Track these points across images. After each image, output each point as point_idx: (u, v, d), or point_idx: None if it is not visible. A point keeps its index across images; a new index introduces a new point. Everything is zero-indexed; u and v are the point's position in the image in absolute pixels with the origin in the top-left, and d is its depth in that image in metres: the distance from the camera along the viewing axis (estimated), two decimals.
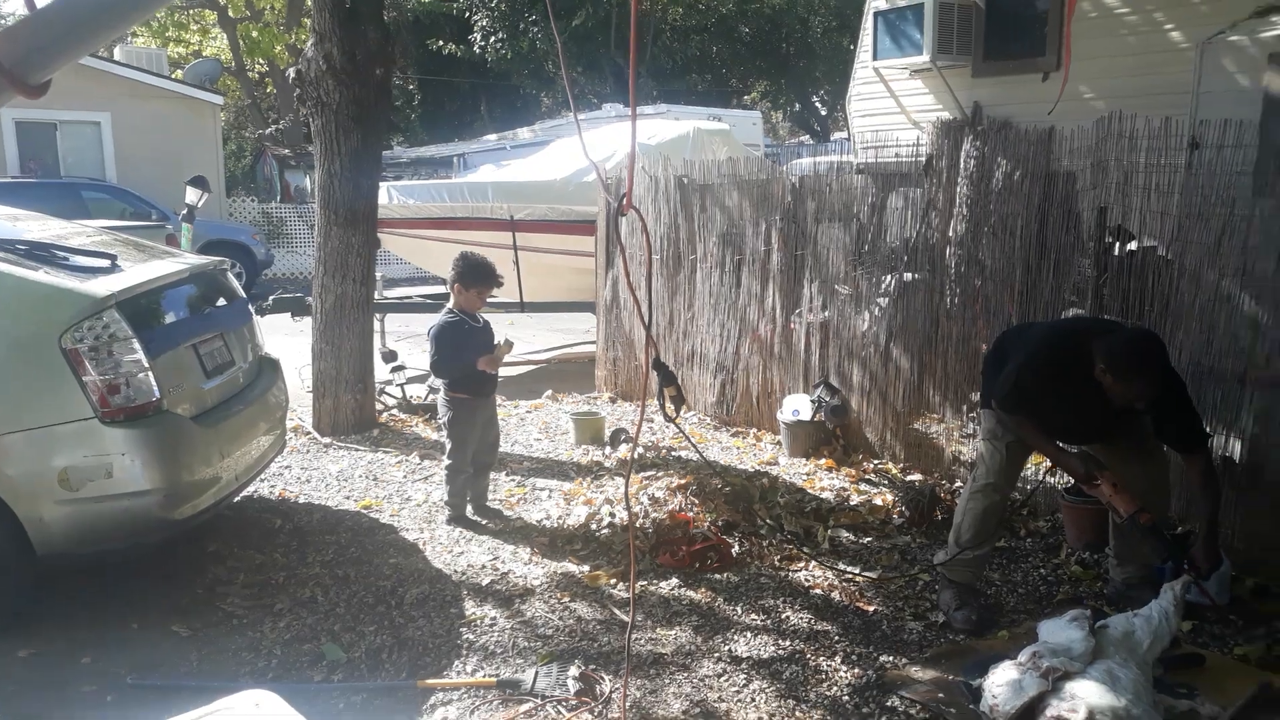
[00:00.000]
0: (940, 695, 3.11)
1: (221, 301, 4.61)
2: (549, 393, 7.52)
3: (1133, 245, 4.43)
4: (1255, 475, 3.95)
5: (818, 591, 3.94)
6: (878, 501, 4.87)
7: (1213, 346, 4.08)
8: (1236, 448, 4.03)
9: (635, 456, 5.69)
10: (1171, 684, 3.06)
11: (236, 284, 4.90)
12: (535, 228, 9.30)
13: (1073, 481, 3.98)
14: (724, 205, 6.35)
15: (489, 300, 4.87)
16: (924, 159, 5.21)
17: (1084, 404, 3.39)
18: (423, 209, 9.94)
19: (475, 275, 4.66)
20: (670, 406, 2.92)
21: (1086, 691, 2.82)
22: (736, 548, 4.33)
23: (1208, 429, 3.88)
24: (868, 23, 8.34)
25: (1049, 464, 4.32)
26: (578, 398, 7.47)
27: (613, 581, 4.07)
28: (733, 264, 6.29)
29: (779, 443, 5.89)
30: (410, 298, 9.30)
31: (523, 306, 8.76)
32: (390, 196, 9.77)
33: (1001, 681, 2.97)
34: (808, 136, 29.58)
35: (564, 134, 15.09)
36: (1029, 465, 4.69)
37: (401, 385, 7.17)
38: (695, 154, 8.69)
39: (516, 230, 9.24)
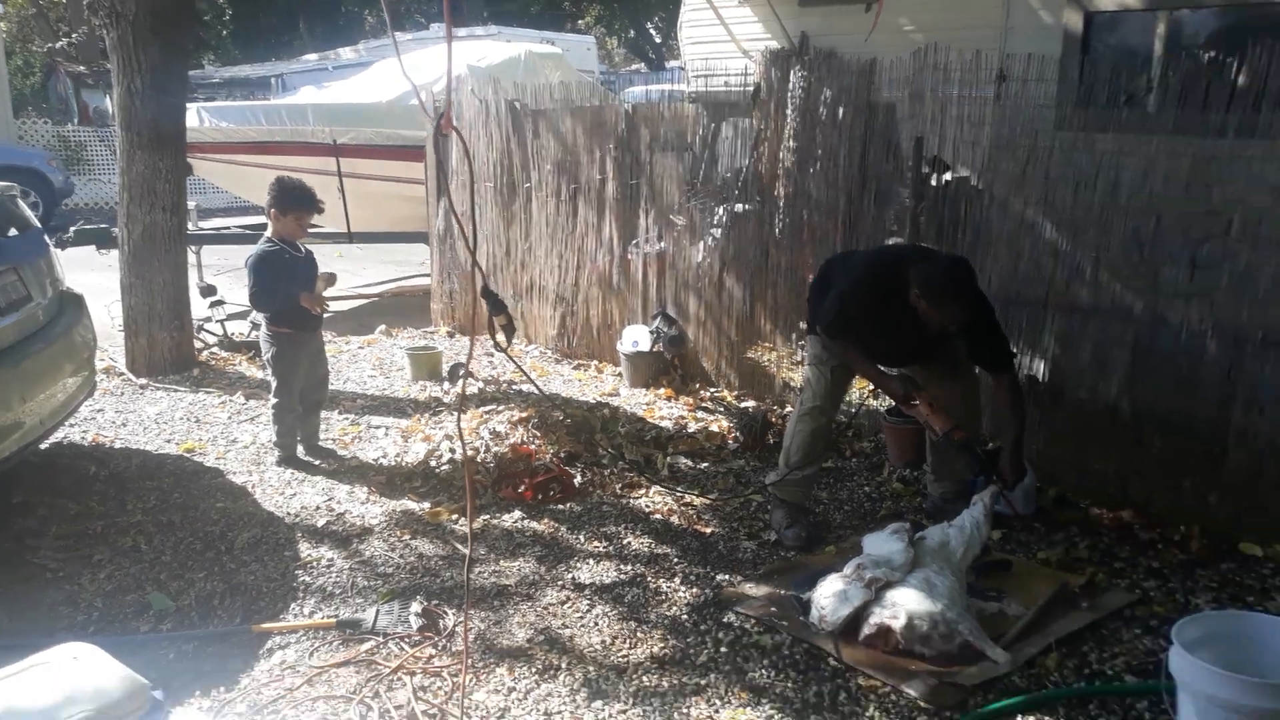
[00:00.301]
0: (773, 609, 3.26)
1: (13, 232, 4.21)
2: (382, 328, 7.31)
3: (949, 175, 4.64)
4: (1056, 395, 4.26)
5: (658, 517, 4.04)
6: (714, 428, 5.01)
7: (1019, 273, 4.35)
8: (1040, 368, 4.33)
9: (476, 391, 5.62)
10: (983, 588, 3.32)
11: (29, 213, 4.48)
12: (361, 153, 8.91)
13: (893, 403, 4.19)
14: (558, 132, 6.25)
15: (315, 231, 4.65)
16: (752, 88, 5.26)
17: (902, 328, 3.57)
18: (237, 132, 9.35)
19: (291, 199, 4.42)
20: (501, 336, 2.87)
21: (906, 598, 3.02)
22: (579, 478, 4.37)
23: (1014, 351, 4.17)
24: None
25: (871, 387, 4.54)
26: (413, 332, 7.29)
27: (454, 517, 4.04)
28: (569, 193, 6.23)
29: (620, 374, 5.94)
30: (228, 228, 8.79)
31: (351, 237, 8.44)
32: (201, 119, 9.14)
33: (829, 593, 3.14)
34: (642, 64, 29.44)
35: (389, 54, 14.44)
36: (853, 389, 4.93)
37: (222, 321, 6.81)
38: (527, 78, 8.49)
39: (340, 156, 8.83)
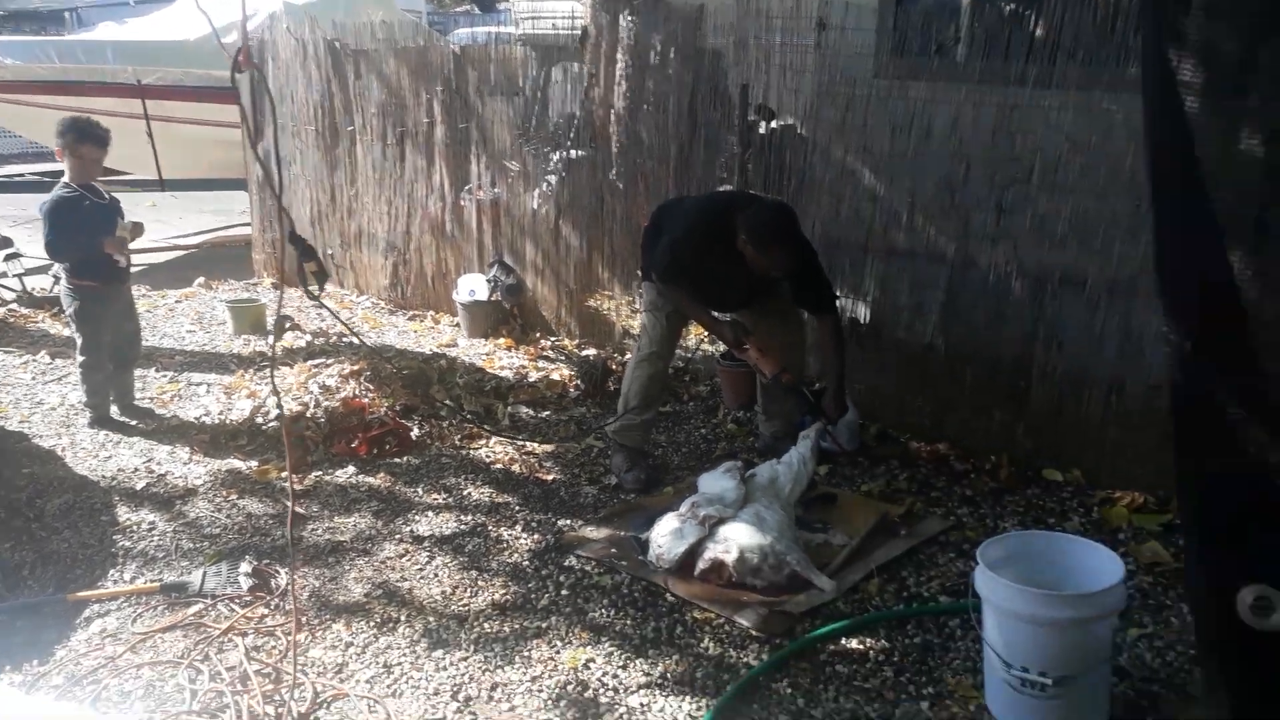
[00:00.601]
0: (613, 550, 3.31)
1: None
2: (201, 280, 6.92)
3: (775, 123, 4.74)
4: (876, 335, 4.46)
5: (498, 466, 4.02)
6: (555, 377, 5.01)
7: (840, 218, 4.49)
8: (861, 311, 4.51)
9: (304, 345, 5.41)
10: (810, 521, 3.47)
11: None
12: (169, 94, 8.32)
13: (726, 348, 4.30)
14: (382, 73, 6.01)
15: (125, 179, 4.34)
16: (579, 32, 5.19)
17: (731, 274, 3.66)
18: (27, 70, 8.56)
19: (78, 135, 4.10)
20: (313, 283, 2.73)
21: (738, 533, 3.13)
22: (416, 431, 4.29)
23: (837, 294, 4.34)
24: None
25: (706, 334, 4.64)
26: (235, 285, 6.94)
27: (284, 475, 3.90)
28: (395, 137, 6.02)
29: (457, 324, 5.84)
30: (22, 175, 8.07)
31: (163, 185, 7.91)
32: None
33: (665, 532, 3.22)
34: (472, 5, 28.56)
35: None
36: (689, 335, 5.02)
37: (20, 276, 6.28)
38: (348, 16, 8.10)
39: (146, 97, 8.21)
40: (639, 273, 4.79)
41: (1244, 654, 1.04)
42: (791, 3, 4.49)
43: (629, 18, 4.96)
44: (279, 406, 3.41)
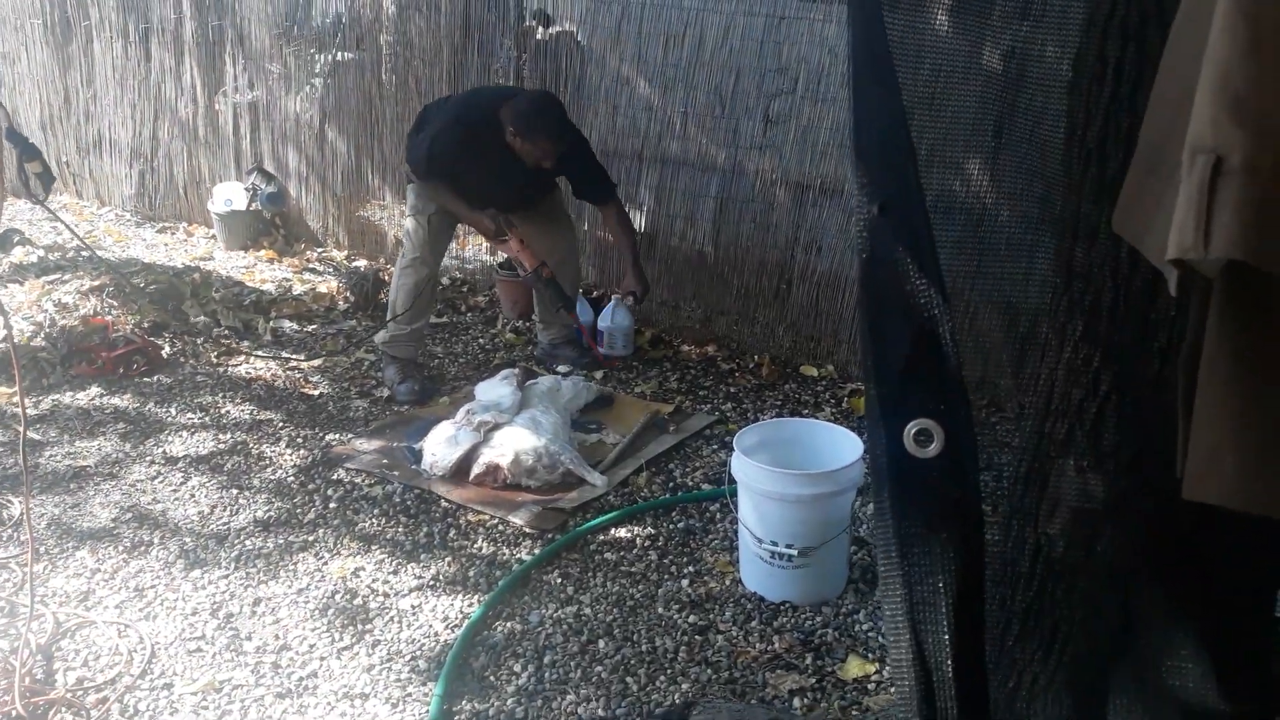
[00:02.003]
0: (385, 462, 3.25)
1: None
2: None
3: (553, 29, 4.66)
4: (651, 243, 4.53)
5: (260, 383, 3.83)
6: (322, 289, 4.79)
7: (616, 127, 4.50)
8: (638, 220, 4.56)
9: (35, 260, 4.90)
10: (584, 422, 3.52)
11: None
12: None
13: (505, 257, 4.25)
14: None
15: None
16: None
17: (500, 170, 3.59)
18: None
19: None
20: (37, 186, 2.47)
21: (512, 437, 3.14)
22: (167, 349, 4.01)
23: (616, 182, 4.36)
24: None
25: (488, 244, 4.56)
26: None
27: (14, 400, 3.55)
28: (138, 33, 5.48)
29: (214, 236, 5.46)
30: None
31: None
32: None
33: (439, 439, 3.19)
34: None
35: None
36: (466, 244, 4.93)
37: None
38: None
39: None
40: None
41: (906, 479, 1.17)
42: None
43: None
44: (6, 326, 3.08)
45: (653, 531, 2.89)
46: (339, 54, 5.05)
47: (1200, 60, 0.89)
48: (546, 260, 3.74)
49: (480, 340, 4.39)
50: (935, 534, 1.17)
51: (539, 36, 4.61)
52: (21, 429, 2.43)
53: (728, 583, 2.66)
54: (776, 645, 2.41)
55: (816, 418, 3.57)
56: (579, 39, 4.54)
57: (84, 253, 5.02)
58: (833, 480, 2.46)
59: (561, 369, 3.95)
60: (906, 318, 1.17)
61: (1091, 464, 1.69)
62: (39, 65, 5.86)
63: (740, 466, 2.53)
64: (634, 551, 2.80)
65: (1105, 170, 1.60)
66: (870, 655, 2.38)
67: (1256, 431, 0.93)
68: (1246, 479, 0.93)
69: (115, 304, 4.22)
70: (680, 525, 2.92)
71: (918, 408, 1.15)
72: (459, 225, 4.01)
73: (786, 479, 2.45)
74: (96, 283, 4.39)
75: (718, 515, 2.96)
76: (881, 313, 1.21)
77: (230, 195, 5.27)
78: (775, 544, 2.46)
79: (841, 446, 2.60)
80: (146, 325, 4.11)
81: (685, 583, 2.65)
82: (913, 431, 1.13)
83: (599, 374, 3.95)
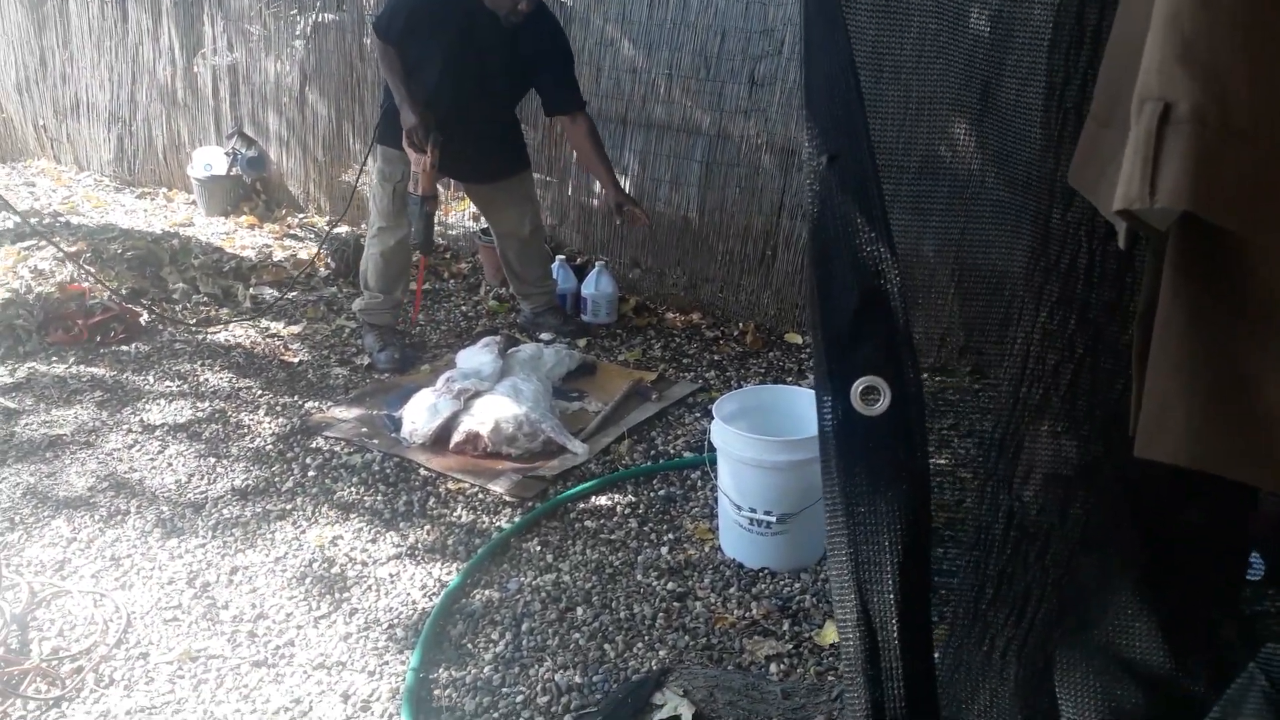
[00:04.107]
0: (364, 430, 3.22)
1: None
2: None
3: None
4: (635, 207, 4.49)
5: (239, 350, 3.79)
6: (303, 255, 4.74)
7: (601, 89, 4.43)
8: (623, 185, 4.52)
9: (10, 226, 4.83)
10: (567, 390, 3.50)
11: None
12: None
13: (488, 225, 4.19)
14: None
15: None
16: None
17: (472, 40, 3.38)
18: None
19: None
20: None
21: (493, 405, 3.12)
22: (146, 316, 3.97)
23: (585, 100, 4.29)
24: None
25: (473, 210, 4.49)
26: None
27: None
28: None
29: (194, 202, 5.39)
30: None
31: None
32: None
33: (419, 407, 3.16)
34: None
35: None
36: (450, 210, 4.88)
37: None
38: None
39: None
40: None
41: (853, 437, 1.15)
42: None
43: None
44: None
45: (633, 499, 2.87)
46: (320, 15, 4.96)
47: (1150, 7, 0.86)
48: (514, 237, 3.68)
49: (463, 308, 4.36)
50: (881, 494, 1.15)
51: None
52: None
53: (707, 550, 2.65)
54: (754, 612, 2.41)
55: (800, 385, 3.55)
56: (565, 0, 4.47)
57: (62, 219, 4.96)
58: (811, 446, 2.43)
59: (544, 336, 3.91)
60: (854, 273, 1.15)
61: (1065, 429, 1.68)
62: (13, 25, 5.76)
63: (720, 433, 2.51)
64: (614, 519, 2.78)
65: (1083, 130, 1.57)
66: None
67: (1206, 386, 0.91)
68: (1196, 436, 0.91)
69: (93, 270, 4.16)
70: (661, 493, 2.91)
71: (865, 365, 1.13)
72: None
73: (765, 445, 2.43)
74: (74, 249, 4.33)
75: (699, 483, 2.95)
76: (830, 267, 1.18)
77: (210, 160, 5.20)
78: (754, 511, 2.45)
79: None
80: (124, 292, 4.06)
81: (665, 550, 2.64)
82: (860, 388, 1.11)
83: (582, 341, 3.92)
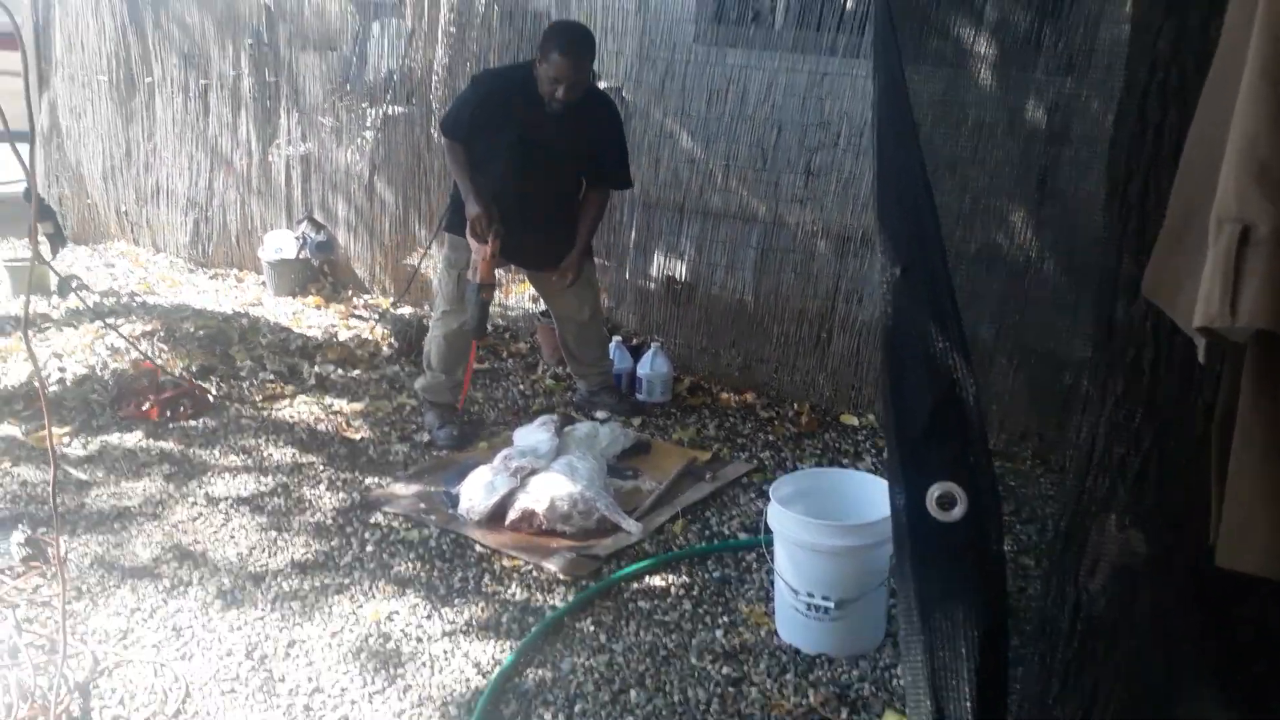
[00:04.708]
0: (422, 505, 3.26)
1: None
2: None
3: (602, 84, 4.73)
4: (691, 292, 4.55)
5: (303, 426, 3.88)
6: (367, 335, 4.86)
7: (659, 180, 4.55)
8: (678, 269, 4.59)
9: (92, 304, 5.04)
10: (621, 469, 3.51)
11: None
12: None
13: (545, 307, 4.28)
14: (184, 23, 5.65)
15: None
16: None
17: (525, 121, 3.48)
18: None
19: None
20: (46, 247, 2.45)
21: (549, 482, 3.14)
22: (214, 392, 4.08)
23: (657, 253, 4.40)
24: None
25: (532, 292, 4.59)
26: (16, 244, 6.38)
27: (65, 440, 3.64)
28: (199, 89, 5.68)
29: (264, 283, 5.58)
30: None
31: None
32: None
33: (476, 484, 3.20)
34: None
35: None
36: (510, 292, 4.99)
37: None
38: None
39: None
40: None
41: (928, 542, 1.15)
42: None
43: None
44: (35, 361, 3.15)
45: (687, 580, 2.85)
46: (389, 108, 5.18)
47: (1227, 127, 0.89)
48: (572, 320, 3.80)
49: (520, 386, 4.42)
50: (957, 598, 1.14)
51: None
52: (52, 469, 2.46)
53: (763, 634, 2.61)
54: (811, 699, 2.36)
55: (856, 467, 3.54)
56: (625, 95, 4.62)
57: (138, 298, 5.16)
58: (871, 532, 2.42)
59: (599, 415, 3.95)
60: (929, 379, 1.17)
61: (1133, 521, 1.65)
62: (104, 119, 6.09)
63: (776, 516, 2.50)
64: (668, 600, 2.76)
65: (1145, 227, 1.58)
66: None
67: None
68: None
69: (166, 347, 4.31)
70: (715, 574, 2.89)
71: (940, 470, 1.13)
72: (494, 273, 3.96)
73: (823, 529, 2.41)
74: (149, 327, 4.50)
75: (754, 565, 2.92)
76: (904, 374, 1.20)
77: (281, 243, 5.40)
78: (812, 595, 2.42)
79: (880, 497, 2.55)
80: (195, 369, 4.20)
81: (720, 633, 2.61)
82: (935, 495, 1.12)
83: (637, 420, 3.95)
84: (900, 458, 1.19)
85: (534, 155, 3.54)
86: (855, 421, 3.95)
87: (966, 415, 1.19)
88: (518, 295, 4.96)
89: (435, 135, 5.05)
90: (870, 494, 2.60)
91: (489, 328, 3.77)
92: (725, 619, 2.68)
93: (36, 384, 3.96)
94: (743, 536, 3.09)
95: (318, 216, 5.47)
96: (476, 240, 3.49)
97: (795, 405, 4.06)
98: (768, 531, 2.58)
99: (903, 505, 1.15)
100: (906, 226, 1.29)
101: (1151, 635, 1.64)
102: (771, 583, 2.66)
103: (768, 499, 2.59)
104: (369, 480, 3.46)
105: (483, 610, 2.73)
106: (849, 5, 4.07)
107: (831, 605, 2.41)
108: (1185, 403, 1.55)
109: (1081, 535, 1.74)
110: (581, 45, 3.44)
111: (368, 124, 5.28)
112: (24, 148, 2.62)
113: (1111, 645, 1.68)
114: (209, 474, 3.48)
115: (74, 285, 5.19)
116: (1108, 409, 1.69)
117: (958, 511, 1.11)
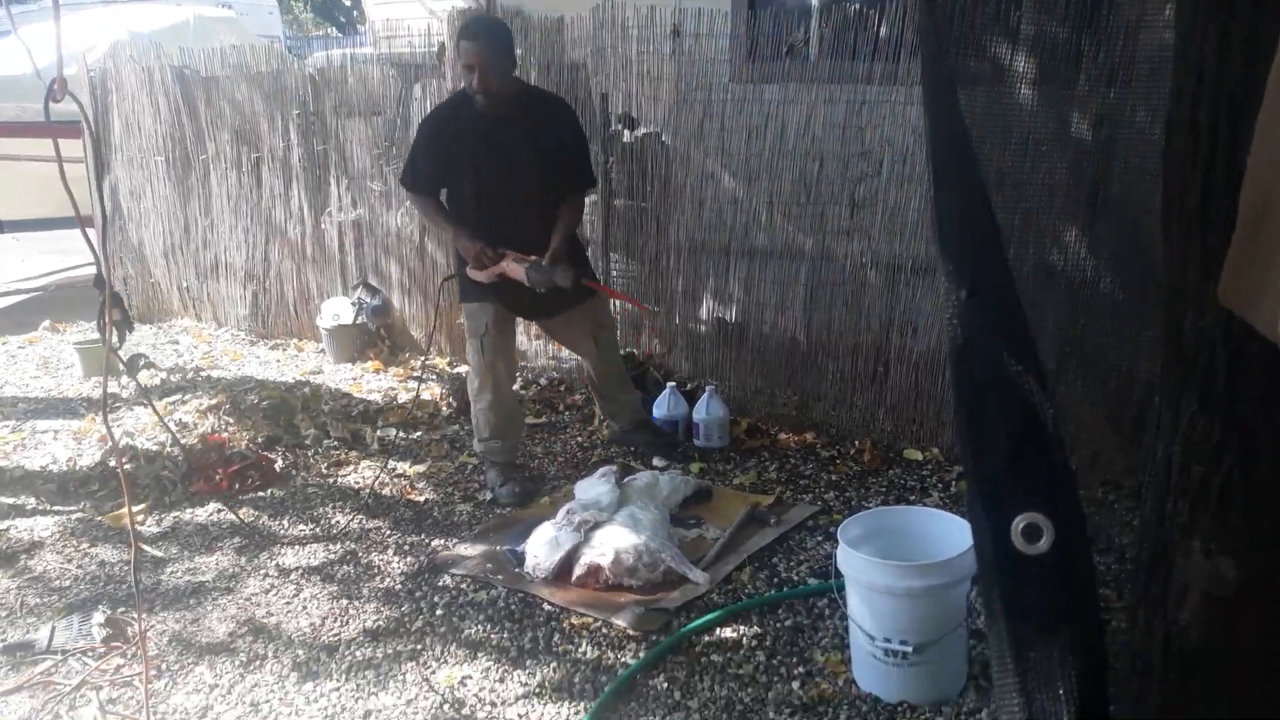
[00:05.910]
0: (488, 566, 3.26)
1: None
2: (47, 323, 6.56)
3: (640, 130, 4.78)
4: (742, 333, 4.53)
5: (368, 491, 3.92)
6: (426, 396, 4.91)
7: (703, 222, 4.56)
8: (728, 311, 4.58)
9: (159, 382, 5.18)
10: (684, 517, 3.49)
11: None
12: (4, 131, 7.87)
13: None
14: (234, 100, 5.84)
15: None
16: (437, 48, 5.15)
17: (485, 148, 3.48)
18: None
19: None
20: (114, 334, 2.45)
21: (613, 536, 3.12)
22: (280, 462, 4.15)
23: (706, 296, 4.38)
24: None
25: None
26: (85, 326, 6.58)
27: (139, 517, 3.72)
28: (251, 163, 5.84)
29: (322, 350, 5.68)
30: None
31: (0, 226, 7.48)
32: None
33: (541, 541, 3.19)
34: (333, 29, 28.04)
35: (37, 19, 12.83)
36: (560, 346, 5.00)
37: None
38: (198, 43, 7.84)
39: None
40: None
41: (1016, 578, 1.10)
42: (646, 12, 4.55)
43: None
44: (114, 443, 3.24)
45: (759, 630, 2.81)
46: None
47: None
48: (596, 361, 3.83)
49: (578, 439, 4.42)
50: (1052, 636, 1.09)
51: (625, 140, 4.74)
52: (132, 549, 2.51)
53: (840, 683, 2.55)
54: None
55: (924, 504, 3.47)
56: (664, 139, 4.65)
57: (203, 373, 5.28)
58: (946, 570, 2.36)
59: (658, 463, 3.93)
60: (1006, 405, 1.13)
61: (1219, 546, 1.59)
62: (162, 199, 6.29)
63: (846, 559, 2.45)
64: (741, 652, 2.72)
65: (1207, 237, 1.54)
66: None
67: None
68: None
69: (231, 420, 4.40)
70: (788, 623, 2.84)
71: (1023, 500, 1.09)
72: (515, 322, 3.92)
73: (896, 571, 2.36)
74: (214, 401, 4.60)
75: (826, 611, 2.87)
76: (978, 402, 1.16)
77: (337, 310, 5.50)
78: (888, 640, 2.37)
79: (952, 534, 2.50)
80: (260, 440, 4.27)
81: (796, 685, 2.56)
82: (1020, 526, 1.07)
83: (695, 467, 3.92)
84: (981, 491, 1.15)
85: (498, 165, 3.52)
86: (919, 456, 3.88)
87: (1046, 441, 1.15)
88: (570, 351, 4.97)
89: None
90: (942, 531, 2.54)
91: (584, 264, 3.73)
92: (801, 669, 2.62)
93: (113, 463, 4.08)
94: (813, 582, 3.04)
95: (372, 281, 5.57)
96: (492, 266, 3.52)
97: (856, 442, 4.01)
98: (838, 575, 2.53)
99: (988, 541, 1.11)
100: (970, 248, 1.26)
101: (1252, 667, 1.57)
102: (846, 629, 2.60)
103: (836, 542, 2.54)
104: (435, 542, 3.48)
105: (554, 670, 2.71)
106: (883, 32, 4.06)
107: (910, 649, 2.35)
108: (1267, 416, 1.49)
109: (1165, 564, 1.67)
110: (486, 29, 3.44)
111: None
112: (92, 234, 2.70)
113: (1213, 680, 1.61)
114: (279, 545, 3.52)
115: (142, 363, 5.34)
116: (1183, 428, 1.63)
117: (1044, 543, 1.06)
